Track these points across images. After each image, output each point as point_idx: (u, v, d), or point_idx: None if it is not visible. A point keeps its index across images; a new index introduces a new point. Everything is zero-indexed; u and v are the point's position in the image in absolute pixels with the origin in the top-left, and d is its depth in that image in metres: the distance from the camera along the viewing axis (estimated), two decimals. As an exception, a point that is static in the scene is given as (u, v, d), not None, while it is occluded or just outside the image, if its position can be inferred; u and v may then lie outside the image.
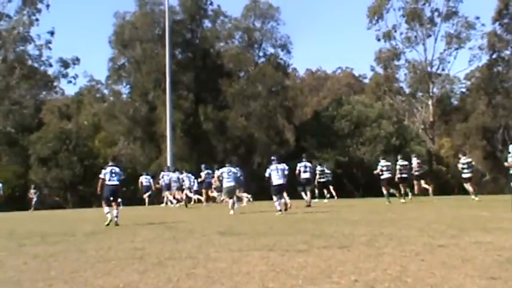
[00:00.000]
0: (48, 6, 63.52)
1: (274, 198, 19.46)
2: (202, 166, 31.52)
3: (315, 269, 7.07)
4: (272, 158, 20.51)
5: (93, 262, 8.37)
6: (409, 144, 51.33)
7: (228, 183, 21.59)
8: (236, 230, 13.07)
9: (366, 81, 76.52)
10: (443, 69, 60.73)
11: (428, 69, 59.83)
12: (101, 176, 17.00)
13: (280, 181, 19.42)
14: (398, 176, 25.99)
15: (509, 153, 17.87)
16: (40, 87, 67.21)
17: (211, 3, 58.12)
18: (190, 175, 31.47)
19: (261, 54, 59.01)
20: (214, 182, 28.18)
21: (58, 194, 51.95)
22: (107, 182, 16.92)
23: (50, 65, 66.71)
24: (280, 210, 18.92)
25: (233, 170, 20.73)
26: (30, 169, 52.33)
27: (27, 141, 54.78)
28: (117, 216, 16.54)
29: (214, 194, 31.70)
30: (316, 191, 31.54)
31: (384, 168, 25.43)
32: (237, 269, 7.35)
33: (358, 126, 52.92)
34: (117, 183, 17.11)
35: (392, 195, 25.05)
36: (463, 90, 69.51)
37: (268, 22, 58.05)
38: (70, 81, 67.17)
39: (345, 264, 7.37)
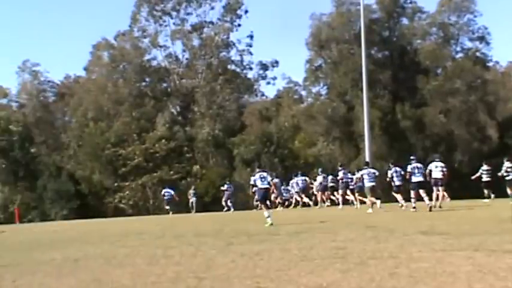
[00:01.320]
0: (246, 12, 66.10)
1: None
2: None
3: (525, 271, 6.74)
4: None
5: (297, 261, 8.58)
6: None
7: (369, 183, 24.06)
8: (439, 229, 12.75)
9: None
10: None
11: None
12: (251, 182, 19.46)
13: (266, 186, 19.44)
14: None
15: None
16: (242, 91, 70.02)
17: (411, 2, 57.30)
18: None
19: (458, 49, 56.88)
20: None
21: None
22: (260, 186, 18.93)
23: (251, 69, 69.34)
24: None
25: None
26: (234, 170, 54.57)
27: (232, 143, 57.17)
28: (269, 216, 17.90)
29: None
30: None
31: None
32: (441, 269, 7.19)
33: None
34: (267, 186, 19.26)
35: None
36: None
37: (464, 15, 55.76)
38: (269, 83, 69.45)
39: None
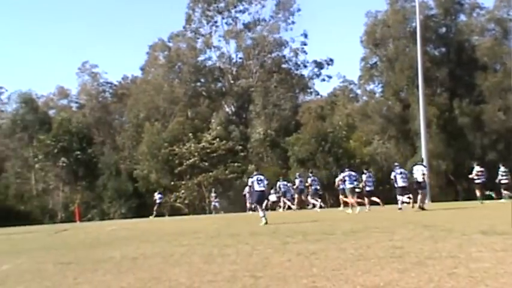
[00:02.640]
0: (299, 10, 66.11)
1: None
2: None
3: None
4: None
5: (353, 260, 8.54)
6: None
7: (350, 184, 26.56)
8: (499, 229, 12.47)
9: None
10: None
11: None
12: (249, 183, 21.08)
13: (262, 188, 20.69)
14: None
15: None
16: (296, 89, 70.01)
17: (469, -3, 56.48)
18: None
19: (517, 45, 55.76)
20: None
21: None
22: (256, 189, 20.38)
23: (305, 67, 69.28)
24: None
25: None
26: (289, 169, 54.54)
27: (286, 142, 57.16)
28: (264, 216, 19.70)
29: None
30: None
31: None
32: (502, 269, 7.06)
33: None
34: (263, 189, 20.64)
35: None
36: None
37: (523, 10, 54.67)
38: (324, 79, 69.27)
39: None
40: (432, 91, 51.86)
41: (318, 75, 70.00)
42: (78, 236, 21.09)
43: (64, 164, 60.25)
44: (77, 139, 61.54)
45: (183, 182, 57.49)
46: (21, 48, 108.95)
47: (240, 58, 69.15)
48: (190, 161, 56.64)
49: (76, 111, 73.59)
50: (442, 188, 51.55)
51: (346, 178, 26.99)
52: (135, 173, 58.61)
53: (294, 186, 36.30)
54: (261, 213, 19.89)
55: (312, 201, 34.04)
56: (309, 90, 71.83)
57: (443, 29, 56.07)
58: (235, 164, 57.02)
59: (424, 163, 26.33)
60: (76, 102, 76.85)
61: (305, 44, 67.16)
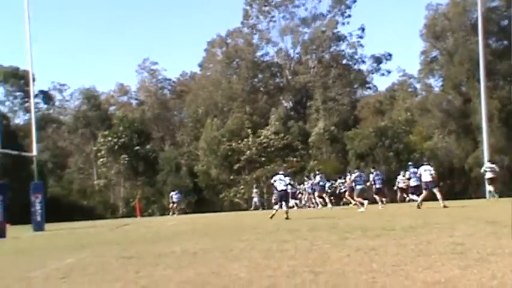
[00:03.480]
0: (354, 1, 65.71)
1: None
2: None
3: None
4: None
5: (413, 256, 8.46)
6: None
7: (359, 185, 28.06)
8: None
9: None
10: None
11: None
12: (272, 182, 23.08)
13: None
14: None
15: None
16: (355, 84, 69.56)
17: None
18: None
19: None
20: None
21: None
22: (278, 188, 22.34)
23: (363, 62, 68.77)
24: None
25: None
26: (348, 164, 54.29)
27: (345, 137, 56.89)
28: (277, 210, 22.20)
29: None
30: None
31: None
32: None
33: None
34: (285, 188, 22.43)
35: None
36: None
37: None
38: (383, 74, 68.64)
39: None
40: (494, 84, 50.73)
41: (376, 70, 69.44)
42: (139, 231, 21.46)
43: (125, 161, 61.35)
44: (136, 135, 62.58)
45: (242, 177, 57.85)
46: (83, 45, 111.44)
47: (298, 53, 69.07)
48: (249, 155, 56.87)
49: (135, 107, 74.84)
50: (506, 183, 50.49)
51: (358, 179, 28.29)
52: (196, 169, 59.23)
53: (314, 182, 36.17)
54: (276, 207, 22.49)
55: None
56: (367, 85, 71.31)
57: (506, 22, 54.72)
58: (294, 160, 56.98)
59: (429, 163, 26.71)
60: (135, 99, 78.18)
61: (361, 38, 66.78)
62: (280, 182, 21.73)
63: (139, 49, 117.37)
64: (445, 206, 23.01)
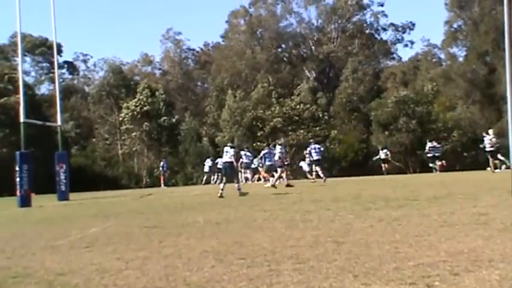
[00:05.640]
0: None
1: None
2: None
3: None
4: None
5: (436, 226, 8.45)
6: None
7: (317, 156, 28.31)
8: None
9: None
10: None
11: None
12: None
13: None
14: None
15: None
16: (378, 54, 69.05)
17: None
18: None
19: None
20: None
21: (399, 159, 52.46)
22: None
23: (385, 30, 68.19)
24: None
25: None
26: (371, 134, 54.10)
27: (369, 107, 56.61)
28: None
29: None
30: None
31: None
32: None
33: None
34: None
35: None
36: None
37: None
38: (406, 45, 68.08)
39: None
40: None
41: (400, 40, 68.83)
42: (163, 201, 21.63)
43: (147, 129, 61.54)
44: (159, 105, 62.68)
45: (265, 146, 57.79)
46: (106, 16, 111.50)
47: (321, 23, 68.59)
48: (273, 124, 56.66)
49: (159, 77, 74.95)
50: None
51: (266, 155, 27.88)
52: (217, 140, 59.26)
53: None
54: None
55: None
56: (391, 56, 70.78)
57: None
58: (318, 128, 56.78)
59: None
60: (159, 69, 78.31)
61: (382, 5, 66.24)
62: (226, 154, 20.95)
63: (163, 19, 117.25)
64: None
